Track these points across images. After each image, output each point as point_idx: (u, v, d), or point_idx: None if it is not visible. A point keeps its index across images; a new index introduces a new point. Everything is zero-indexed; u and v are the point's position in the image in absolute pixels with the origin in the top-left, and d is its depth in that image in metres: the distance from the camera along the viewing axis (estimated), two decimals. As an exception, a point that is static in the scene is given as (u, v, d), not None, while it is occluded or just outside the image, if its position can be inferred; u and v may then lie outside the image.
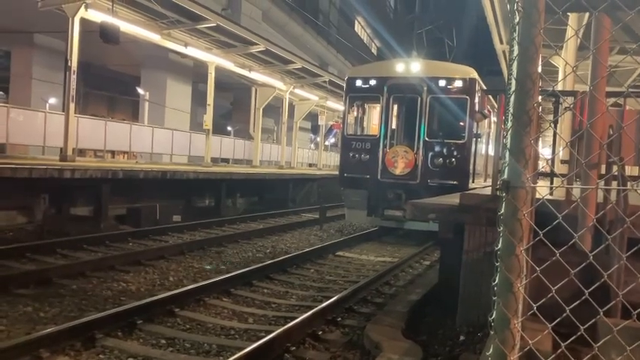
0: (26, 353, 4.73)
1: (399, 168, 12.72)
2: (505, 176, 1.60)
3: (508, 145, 1.58)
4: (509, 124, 1.59)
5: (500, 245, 1.61)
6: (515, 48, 1.57)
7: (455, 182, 12.02)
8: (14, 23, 20.38)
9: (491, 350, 1.61)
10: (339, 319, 6.63)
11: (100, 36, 12.81)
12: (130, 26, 14.52)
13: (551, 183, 5.50)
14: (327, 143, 39.20)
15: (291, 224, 15.67)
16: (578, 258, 2.61)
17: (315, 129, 40.83)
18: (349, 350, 5.58)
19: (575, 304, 1.69)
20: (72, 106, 13.17)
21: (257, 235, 13.23)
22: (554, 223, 1.70)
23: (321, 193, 23.96)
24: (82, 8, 12.86)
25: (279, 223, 15.71)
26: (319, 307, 6.60)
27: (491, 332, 1.64)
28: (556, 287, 1.68)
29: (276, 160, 29.87)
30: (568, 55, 11.97)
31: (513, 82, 1.58)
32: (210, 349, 5.43)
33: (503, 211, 1.61)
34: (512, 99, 1.59)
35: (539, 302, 1.69)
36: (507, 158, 1.59)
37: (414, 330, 6.03)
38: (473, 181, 12.64)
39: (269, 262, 9.49)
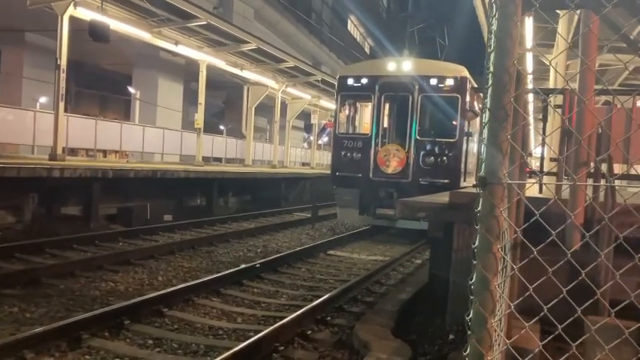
0: (10, 354, 4.66)
1: (391, 167, 12.70)
2: (482, 172, 1.57)
3: (485, 141, 1.55)
4: (486, 118, 1.56)
5: (477, 243, 1.58)
6: (493, 41, 1.54)
7: (446, 181, 12.02)
8: (5, 22, 20.20)
9: (468, 350, 1.58)
10: (329, 318, 6.60)
11: (90, 34, 12.70)
12: (119, 24, 14.43)
13: (540, 181, 5.49)
14: (320, 142, 39.14)
15: (283, 223, 15.63)
16: (566, 256, 2.58)
17: (308, 128, 40.74)
18: (338, 350, 5.55)
19: (553, 302, 1.66)
20: (61, 104, 13.05)
21: (248, 234, 13.19)
22: (532, 220, 1.67)
23: (313, 192, 23.93)
24: (71, 6, 12.77)
25: (271, 222, 15.67)
26: (309, 306, 6.56)
27: (468, 332, 1.61)
28: (533, 286, 1.65)
29: (268, 159, 29.78)
30: (558, 53, 11.96)
31: (490, 75, 1.55)
32: (198, 349, 5.39)
33: (480, 208, 1.58)
34: (488, 93, 1.56)
35: (517, 301, 1.66)
36: (484, 154, 1.56)
37: (404, 329, 6.01)
38: (464, 180, 12.63)
39: (260, 261, 9.45)
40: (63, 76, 12.79)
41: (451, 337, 5.58)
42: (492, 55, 1.54)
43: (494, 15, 1.53)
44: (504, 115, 1.52)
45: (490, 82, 1.55)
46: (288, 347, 5.54)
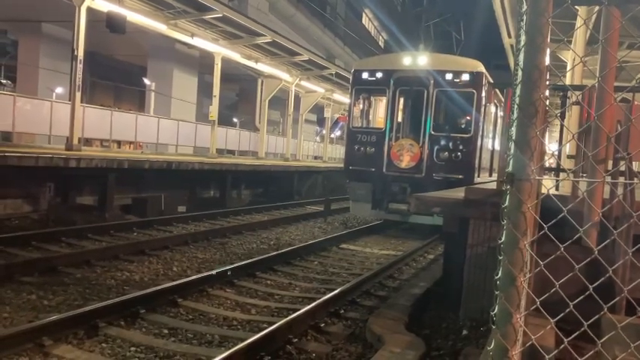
0: (29, 341, 4.74)
1: (405, 161, 12.66)
2: (510, 168, 1.58)
3: (513, 137, 1.55)
4: (515, 115, 1.56)
5: (503, 239, 1.59)
6: (523, 37, 1.54)
7: (460, 176, 11.96)
8: (22, 12, 20.38)
9: (492, 345, 1.59)
10: (342, 311, 6.62)
11: (107, 25, 12.81)
12: (136, 16, 14.50)
13: (569, 177, 5.46)
14: (332, 136, 39.11)
15: (295, 216, 15.67)
16: (583, 254, 2.58)
17: (320, 121, 40.74)
18: (351, 343, 5.57)
19: (579, 299, 1.67)
20: (78, 95, 13.16)
21: (261, 226, 13.24)
22: (560, 216, 1.67)
23: (325, 185, 23.95)
24: (89, -3, 12.85)
25: (283, 215, 15.71)
26: (322, 299, 6.59)
27: (493, 327, 1.62)
28: (560, 282, 1.66)
29: (281, 152, 29.82)
30: (576, 49, 11.83)
31: (520, 72, 1.55)
32: (213, 339, 5.44)
33: (507, 204, 1.58)
34: (518, 89, 1.56)
35: (543, 297, 1.67)
36: (512, 150, 1.56)
37: (417, 324, 6.02)
38: (478, 176, 12.57)
39: (273, 253, 9.50)
40: (80, 66, 12.89)
41: (465, 332, 5.59)
42: (522, 52, 1.54)
43: (525, 11, 1.53)
44: (534, 111, 1.52)
45: (520, 78, 1.55)
46: (302, 339, 5.58)
